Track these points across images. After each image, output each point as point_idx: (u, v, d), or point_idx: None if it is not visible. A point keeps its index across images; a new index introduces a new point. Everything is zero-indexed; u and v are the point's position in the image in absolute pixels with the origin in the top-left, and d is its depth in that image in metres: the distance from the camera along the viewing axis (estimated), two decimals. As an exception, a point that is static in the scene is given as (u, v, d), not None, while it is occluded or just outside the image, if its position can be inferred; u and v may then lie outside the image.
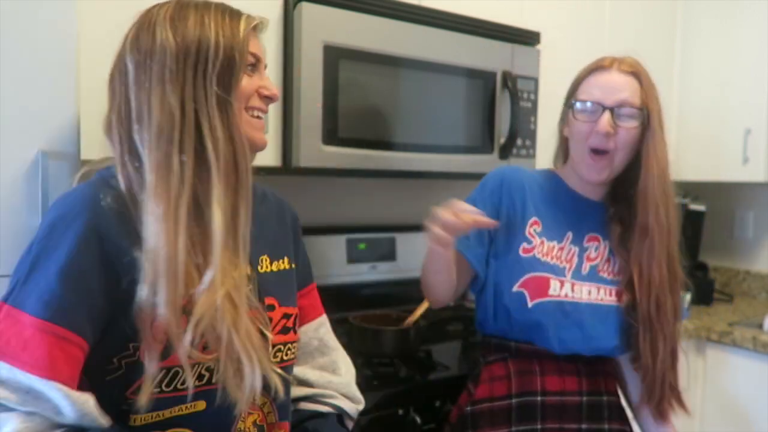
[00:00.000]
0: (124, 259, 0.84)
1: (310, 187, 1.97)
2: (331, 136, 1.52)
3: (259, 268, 1.01)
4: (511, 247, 1.29)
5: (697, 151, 2.44)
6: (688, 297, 2.20)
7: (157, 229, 0.83)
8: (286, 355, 1.03)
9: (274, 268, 1.04)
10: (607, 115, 1.21)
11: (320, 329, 1.16)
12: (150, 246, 0.83)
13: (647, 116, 1.23)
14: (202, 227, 0.88)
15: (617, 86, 1.23)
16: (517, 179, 1.33)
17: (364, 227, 1.99)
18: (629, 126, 1.22)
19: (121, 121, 0.89)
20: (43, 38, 1.06)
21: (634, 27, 2.31)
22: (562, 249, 1.29)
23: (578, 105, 1.26)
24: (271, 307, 1.01)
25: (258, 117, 0.98)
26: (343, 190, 2.03)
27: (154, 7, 0.94)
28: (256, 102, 0.97)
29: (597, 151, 1.24)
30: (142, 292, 0.82)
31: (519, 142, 1.84)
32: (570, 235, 1.31)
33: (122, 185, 0.88)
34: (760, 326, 2.09)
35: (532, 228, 1.30)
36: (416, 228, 2.07)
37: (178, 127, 0.86)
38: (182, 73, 0.87)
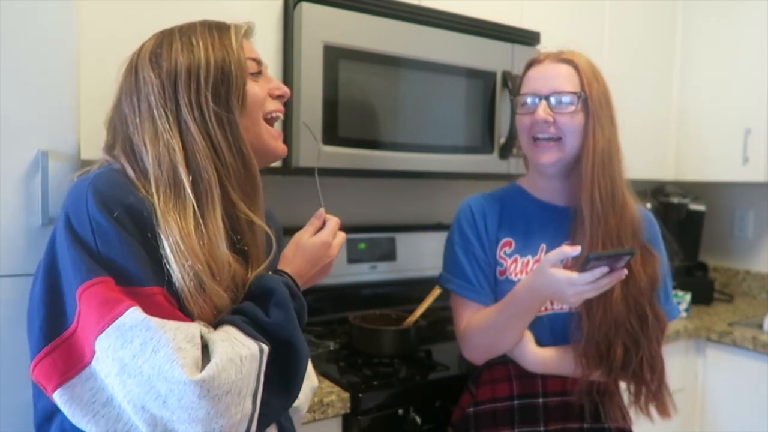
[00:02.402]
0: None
1: (310, 187, 1.96)
2: (331, 136, 1.52)
3: None
4: (494, 273, 1.31)
5: (697, 151, 2.44)
6: (688, 297, 2.20)
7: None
8: None
9: None
10: (543, 104, 1.22)
11: None
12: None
13: (586, 100, 1.23)
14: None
15: (551, 75, 1.24)
16: (480, 208, 1.34)
17: (364, 227, 1.99)
18: (567, 111, 1.22)
19: (127, 153, 0.90)
20: (44, 39, 1.06)
21: (634, 27, 2.31)
22: (537, 262, 1.27)
23: (519, 100, 1.29)
24: None
25: (274, 121, 0.99)
26: (343, 190, 2.02)
27: (140, 46, 0.94)
28: (271, 105, 0.98)
29: (539, 139, 1.25)
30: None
31: (519, 142, 1.83)
32: (544, 246, 1.29)
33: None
34: (760, 326, 2.08)
35: (503, 251, 1.31)
36: (416, 228, 2.08)
37: (181, 154, 0.86)
38: (173, 101, 0.88)
